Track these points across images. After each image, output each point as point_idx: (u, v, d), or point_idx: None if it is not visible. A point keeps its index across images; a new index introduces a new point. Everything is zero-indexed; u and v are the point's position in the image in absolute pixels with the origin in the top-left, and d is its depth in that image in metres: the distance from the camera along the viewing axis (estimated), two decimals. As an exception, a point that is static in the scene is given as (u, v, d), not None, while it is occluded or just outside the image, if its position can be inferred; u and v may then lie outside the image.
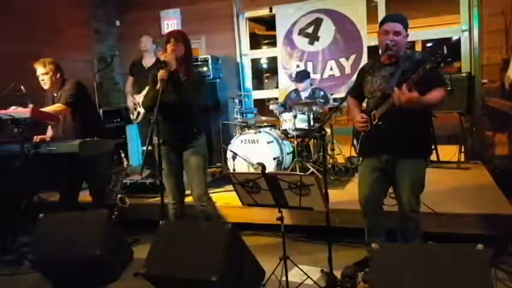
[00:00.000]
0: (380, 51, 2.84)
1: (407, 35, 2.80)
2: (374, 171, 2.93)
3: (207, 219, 3.40)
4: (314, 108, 4.93)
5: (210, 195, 3.59)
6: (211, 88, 5.93)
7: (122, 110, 6.30)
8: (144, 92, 4.99)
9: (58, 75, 3.78)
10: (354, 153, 3.24)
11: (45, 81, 3.75)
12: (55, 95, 3.83)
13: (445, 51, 2.49)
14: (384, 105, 2.75)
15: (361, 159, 3.04)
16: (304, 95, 5.42)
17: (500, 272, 2.84)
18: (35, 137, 3.81)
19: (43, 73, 3.72)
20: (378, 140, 2.85)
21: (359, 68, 3.23)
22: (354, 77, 5.70)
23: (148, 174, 5.00)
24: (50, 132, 3.97)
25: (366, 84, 2.93)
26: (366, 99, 3.04)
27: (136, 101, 5.11)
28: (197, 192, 3.36)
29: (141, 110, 5.10)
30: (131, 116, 5.37)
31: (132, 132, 6.46)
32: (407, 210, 2.85)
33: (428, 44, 8.01)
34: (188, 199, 3.57)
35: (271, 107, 5.27)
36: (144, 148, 5.07)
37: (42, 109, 3.69)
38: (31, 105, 3.66)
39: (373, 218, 3.01)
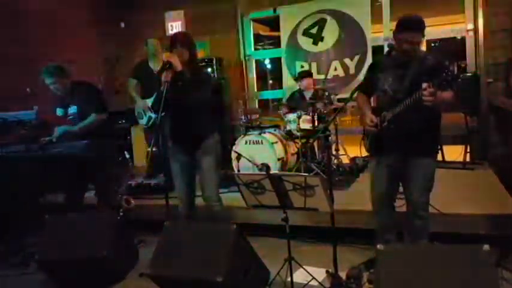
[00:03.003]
0: (394, 52, 2.83)
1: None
2: (386, 170, 2.92)
3: (214, 219, 3.38)
4: (318, 108, 4.93)
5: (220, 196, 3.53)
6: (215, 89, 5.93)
7: (126, 111, 6.31)
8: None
9: (66, 79, 3.79)
10: (359, 153, 3.23)
11: (57, 88, 3.77)
12: (62, 94, 3.84)
13: (455, 72, 2.49)
14: (395, 109, 2.75)
15: (372, 158, 3.03)
16: (307, 94, 5.41)
17: (506, 273, 2.83)
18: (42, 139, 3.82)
19: (52, 82, 3.74)
20: (389, 140, 2.84)
21: (369, 63, 3.21)
22: (359, 77, 5.75)
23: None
24: (56, 132, 3.98)
25: (378, 81, 2.92)
26: (377, 97, 3.03)
27: (147, 105, 5.04)
28: (208, 192, 3.33)
29: (153, 115, 5.04)
30: (140, 121, 5.26)
31: (137, 134, 6.48)
32: (417, 208, 2.85)
33: (434, 44, 7.99)
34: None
35: (280, 112, 5.26)
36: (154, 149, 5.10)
37: (81, 126, 3.75)
38: (36, 107, 3.68)
39: (386, 217, 3.00)
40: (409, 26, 2.76)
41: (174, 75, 3.13)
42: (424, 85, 2.52)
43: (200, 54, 6.34)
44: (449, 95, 2.65)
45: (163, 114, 3.07)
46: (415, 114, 2.68)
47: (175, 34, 3.41)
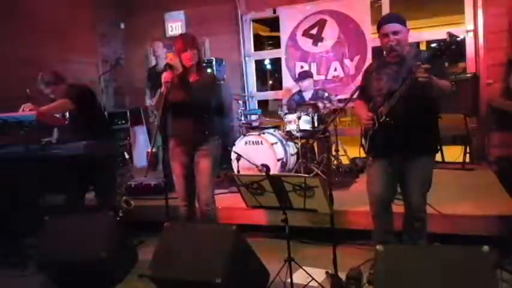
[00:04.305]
0: (384, 53, 2.85)
1: (408, 30, 2.80)
2: (385, 170, 2.91)
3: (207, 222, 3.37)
4: (318, 109, 4.93)
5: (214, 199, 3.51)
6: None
7: (127, 112, 6.33)
8: (157, 95, 5.05)
9: (61, 85, 3.80)
10: (359, 154, 3.23)
11: (54, 95, 3.78)
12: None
13: (448, 39, 2.47)
14: (390, 101, 2.74)
15: (370, 158, 3.02)
16: (307, 95, 5.42)
17: (506, 274, 2.83)
18: (23, 105, 3.74)
19: (48, 91, 3.75)
20: (387, 140, 2.84)
21: (363, 70, 3.22)
22: (358, 78, 5.75)
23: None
24: (56, 133, 3.99)
25: (372, 83, 2.92)
26: (372, 98, 3.02)
27: (153, 104, 5.14)
28: (203, 196, 3.33)
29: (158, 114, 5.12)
30: (151, 120, 5.40)
31: (137, 134, 6.49)
32: (415, 209, 2.84)
33: (433, 44, 7.99)
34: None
35: (279, 112, 5.26)
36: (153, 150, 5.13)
37: (47, 106, 3.69)
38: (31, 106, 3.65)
39: (385, 218, 2.98)
40: (384, 20, 2.82)
41: (181, 76, 3.15)
42: (417, 63, 2.52)
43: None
44: (445, 82, 2.65)
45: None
46: (411, 105, 2.67)
47: (186, 36, 3.39)
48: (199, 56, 3.31)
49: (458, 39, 2.48)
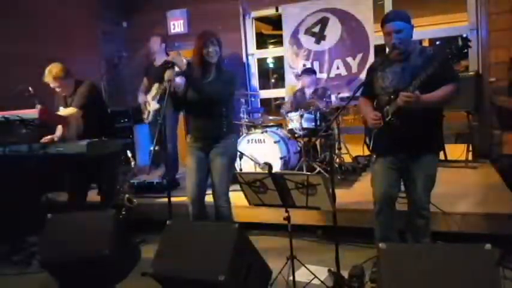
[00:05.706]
0: (387, 50, 2.84)
1: (412, 27, 2.78)
2: (389, 169, 2.90)
3: (220, 220, 3.37)
4: (320, 107, 4.93)
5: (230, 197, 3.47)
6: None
7: (129, 110, 6.33)
8: (152, 91, 5.03)
9: (69, 79, 3.79)
10: (361, 153, 3.22)
11: (60, 90, 3.79)
12: (66, 95, 3.85)
13: (460, 42, 2.47)
14: (396, 102, 2.73)
15: (374, 157, 3.02)
16: (308, 92, 5.41)
17: (508, 272, 2.82)
18: (44, 138, 3.82)
19: (55, 85, 3.75)
20: (392, 138, 2.83)
21: (368, 67, 3.20)
22: (361, 76, 5.74)
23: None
24: (58, 131, 3.99)
25: (377, 81, 2.91)
26: (377, 96, 3.00)
27: (146, 100, 5.08)
28: (218, 193, 3.32)
29: (151, 109, 5.07)
30: (143, 116, 5.35)
31: (140, 132, 6.49)
32: (419, 207, 2.84)
33: (437, 42, 7.98)
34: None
35: (281, 111, 5.25)
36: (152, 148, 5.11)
37: (57, 113, 3.72)
38: (39, 106, 3.67)
39: (388, 216, 2.96)
40: (387, 18, 2.80)
41: (184, 74, 3.14)
42: (402, 93, 2.58)
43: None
44: (441, 93, 2.64)
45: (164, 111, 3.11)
46: (416, 108, 2.67)
47: (207, 32, 3.40)
48: (220, 53, 3.31)
49: (460, 41, 2.49)
